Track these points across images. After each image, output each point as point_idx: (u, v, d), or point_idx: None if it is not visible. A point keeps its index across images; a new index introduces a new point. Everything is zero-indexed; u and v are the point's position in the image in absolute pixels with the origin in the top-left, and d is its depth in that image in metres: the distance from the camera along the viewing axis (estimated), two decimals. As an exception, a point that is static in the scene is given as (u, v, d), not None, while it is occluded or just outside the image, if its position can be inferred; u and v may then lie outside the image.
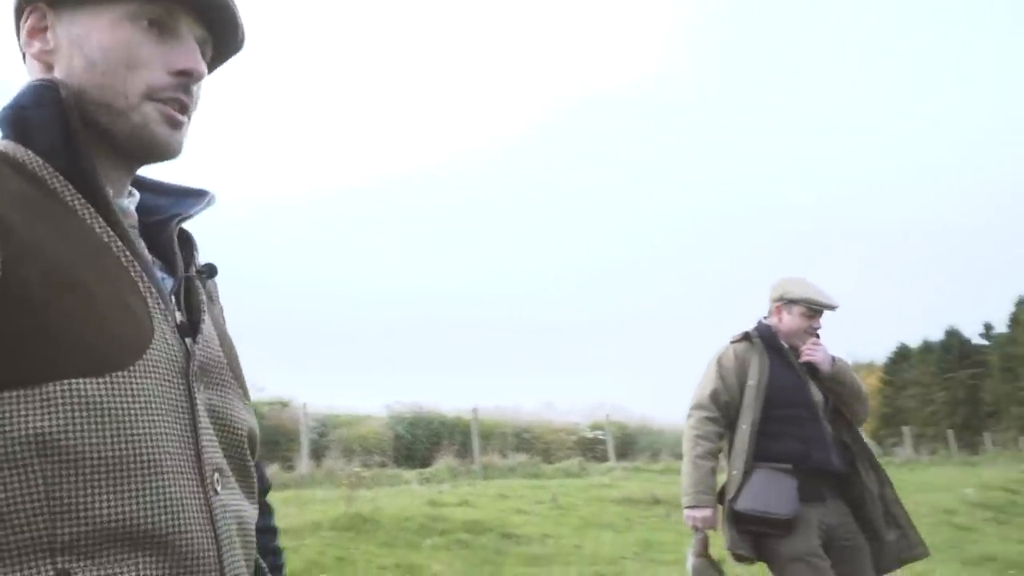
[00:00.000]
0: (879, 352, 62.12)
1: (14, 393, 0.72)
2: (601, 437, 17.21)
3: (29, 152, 0.84)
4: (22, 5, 0.93)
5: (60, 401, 0.72)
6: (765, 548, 3.16)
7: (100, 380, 0.75)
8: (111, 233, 0.84)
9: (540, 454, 16.26)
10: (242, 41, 0.99)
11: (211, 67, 0.99)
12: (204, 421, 0.85)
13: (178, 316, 0.89)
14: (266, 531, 1.08)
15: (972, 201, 76.72)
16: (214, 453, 0.85)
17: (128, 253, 0.85)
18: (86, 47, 0.88)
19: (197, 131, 1.00)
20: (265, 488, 1.09)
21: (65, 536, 0.72)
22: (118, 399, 0.75)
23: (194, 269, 0.97)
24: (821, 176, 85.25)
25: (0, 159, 0.82)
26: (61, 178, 0.84)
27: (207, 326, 0.93)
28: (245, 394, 0.97)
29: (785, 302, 3.43)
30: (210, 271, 1.02)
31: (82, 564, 0.72)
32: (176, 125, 0.91)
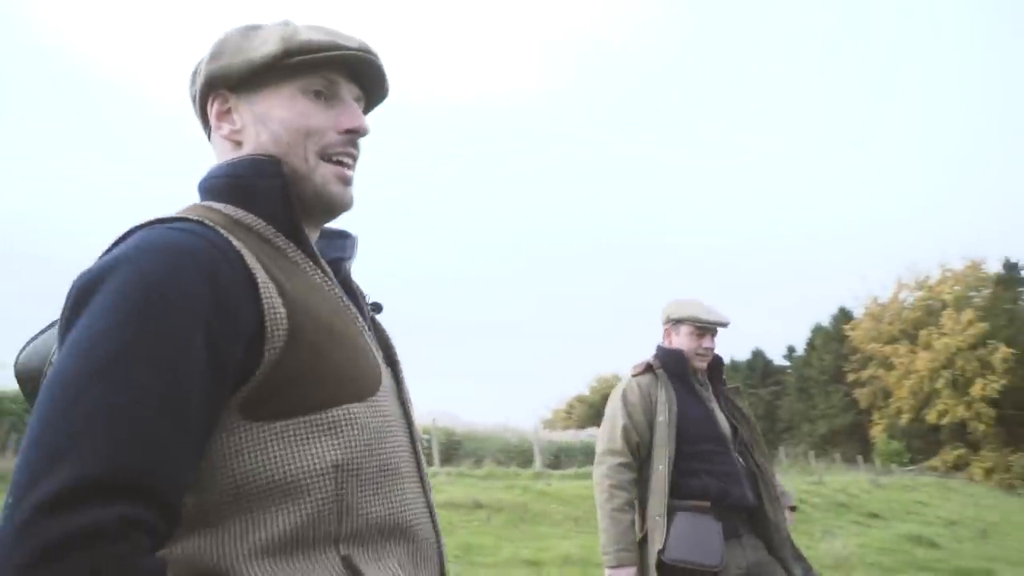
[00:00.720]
0: (692, 368, 65.52)
1: (307, 418, 0.89)
2: (427, 441, 17.22)
3: (250, 215, 0.98)
4: (206, 93, 1.08)
5: (343, 423, 0.91)
6: None
7: (363, 404, 0.94)
8: (329, 283, 1.01)
9: (364, 457, 15.97)
10: (387, 91, 1.15)
11: (364, 113, 1.15)
12: (417, 432, 1.06)
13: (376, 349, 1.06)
14: None
15: (781, 232, 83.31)
16: (422, 459, 1.05)
17: (344, 299, 1.03)
18: (269, 123, 1.04)
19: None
20: None
21: (347, 530, 0.90)
22: (376, 419, 0.95)
23: (368, 309, 1.14)
24: (648, 201, 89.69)
25: (237, 225, 0.96)
26: (283, 238, 0.99)
27: (400, 357, 1.13)
28: None
29: (672, 322, 3.26)
30: (377, 309, 1.17)
31: (358, 550, 0.91)
32: (348, 182, 1.07)
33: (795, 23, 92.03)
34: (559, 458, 20.81)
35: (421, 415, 18.46)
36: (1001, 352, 39.68)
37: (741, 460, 3.10)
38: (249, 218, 0.98)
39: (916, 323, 44.23)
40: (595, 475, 3.09)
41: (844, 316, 50.15)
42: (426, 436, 17.31)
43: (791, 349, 56.28)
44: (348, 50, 1.05)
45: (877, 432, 44.33)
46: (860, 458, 33.01)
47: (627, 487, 3.00)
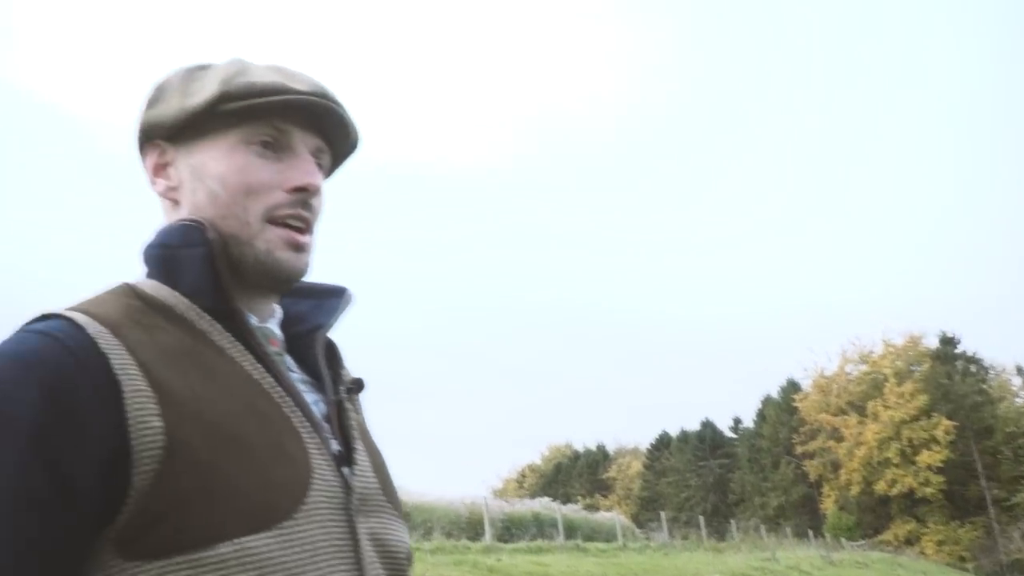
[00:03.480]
0: (643, 439, 65.86)
1: (189, 557, 0.72)
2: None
3: (175, 293, 0.86)
4: (143, 144, 0.94)
5: (233, 562, 0.72)
6: None
7: (268, 535, 0.75)
8: (261, 369, 0.85)
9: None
10: (355, 142, 0.99)
11: (332, 167, 1.00)
12: (368, 555, 0.84)
13: (333, 445, 0.88)
14: None
15: (730, 306, 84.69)
16: None
17: (280, 388, 0.85)
18: (206, 179, 0.89)
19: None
20: None
21: None
22: (286, 551, 0.76)
23: (342, 387, 0.96)
24: (602, 273, 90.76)
25: (150, 305, 0.84)
26: (208, 317, 0.85)
27: (360, 454, 0.91)
28: (397, 508, 0.95)
29: None
30: (357, 386, 1.00)
31: None
32: (299, 248, 0.90)
33: (750, 108, 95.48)
34: (510, 530, 20.33)
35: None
36: (943, 425, 40.48)
37: None
38: (173, 297, 0.85)
39: (862, 395, 44.98)
40: None
41: (792, 388, 50.75)
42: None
43: (737, 421, 56.66)
44: (296, 94, 0.89)
45: (828, 505, 44.52)
46: (811, 532, 32.98)
47: None
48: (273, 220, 0.89)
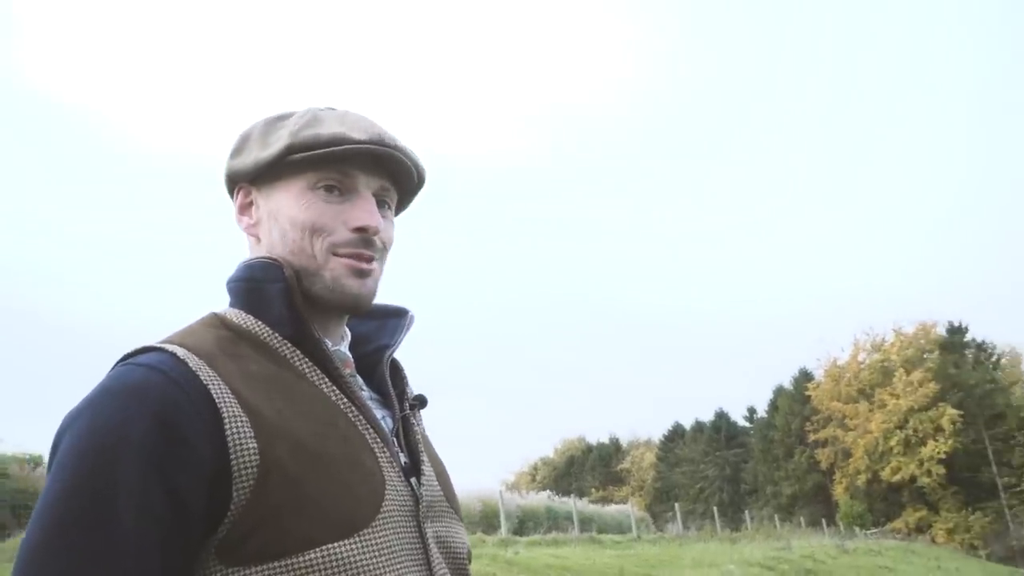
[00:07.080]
0: (657, 432, 65.93)
1: (280, 563, 0.81)
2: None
3: (259, 322, 0.96)
4: (232, 186, 1.06)
5: (321, 566, 0.82)
6: None
7: (350, 541, 0.85)
8: (337, 391, 0.95)
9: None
10: (421, 178, 1.08)
11: (403, 201, 1.10)
12: (435, 557, 0.94)
13: (402, 458, 0.98)
14: None
15: (742, 298, 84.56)
16: None
17: (354, 408, 0.95)
18: (279, 219, 1.00)
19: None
20: None
21: None
22: (367, 556, 0.85)
23: (407, 403, 1.07)
24: (613, 266, 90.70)
25: (237, 335, 0.95)
26: (289, 345, 0.96)
27: (426, 465, 1.02)
28: (457, 512, 1.06)
29: None
30: (420, 402, 1.10)
31: None
32: (363, 274, 1.00)
33: (757, 101, 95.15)
34: (524, 523, 20.47)
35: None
36: (948, 414, 40.35)
37: None
38: (257, 327, 0.96)
39: (873, 383, 44.88)
40: None
41: (805, 377, 50.64)
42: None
43: (752, 411, 56.60)
44: (356, 144, 0.98)
45: (839, 493, 44.50)
46: (824, 521, 33.05)
47: None
48: (337, 255, 0.98)
